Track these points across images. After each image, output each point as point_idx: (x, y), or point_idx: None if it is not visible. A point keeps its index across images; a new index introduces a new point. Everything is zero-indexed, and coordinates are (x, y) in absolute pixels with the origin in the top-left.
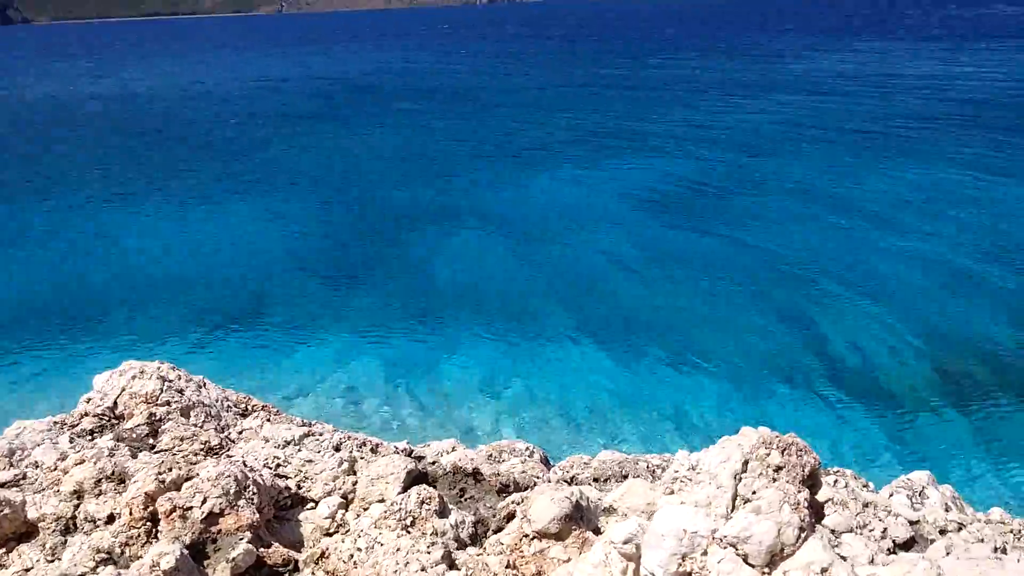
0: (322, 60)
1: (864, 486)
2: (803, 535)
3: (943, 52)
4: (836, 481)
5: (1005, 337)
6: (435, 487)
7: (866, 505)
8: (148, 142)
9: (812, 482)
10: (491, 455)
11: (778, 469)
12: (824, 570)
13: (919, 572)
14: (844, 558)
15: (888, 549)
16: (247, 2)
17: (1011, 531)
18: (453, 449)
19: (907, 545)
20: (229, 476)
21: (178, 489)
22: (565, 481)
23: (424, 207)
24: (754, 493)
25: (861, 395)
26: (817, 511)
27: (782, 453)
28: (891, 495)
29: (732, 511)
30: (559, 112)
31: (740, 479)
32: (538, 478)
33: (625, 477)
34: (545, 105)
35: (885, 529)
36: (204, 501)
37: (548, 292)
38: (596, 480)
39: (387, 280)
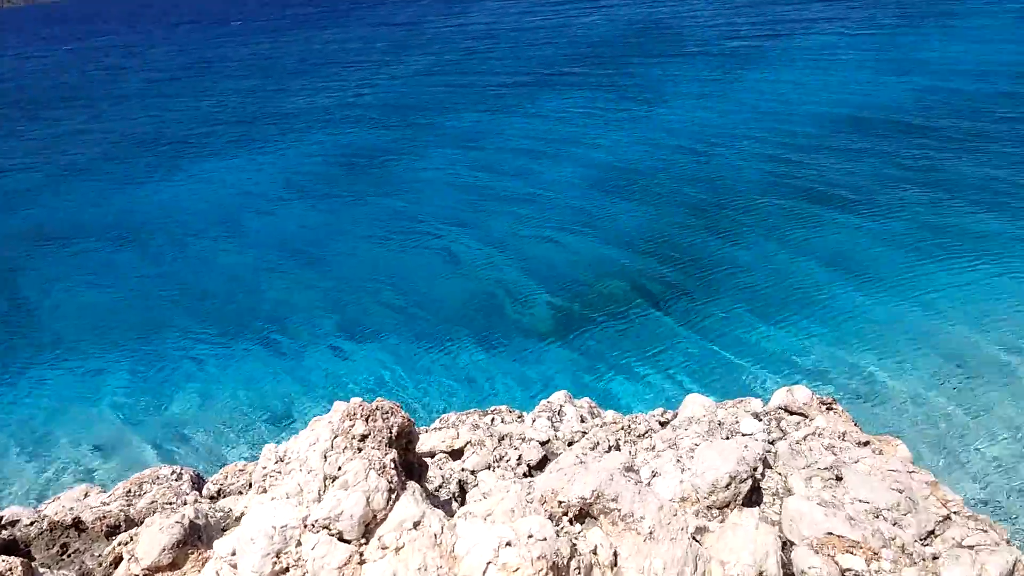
0: None
1: (519, 418)
2: (393, 496)
3: (557, 4)
4: (493, 420)
5: (628, 257)
6: (29, 552)
7: (502, 439)
8: None
9: (407, 440)
10: (130, 490)
11: (363, 438)
12: (417, 523)
13: (511, 497)
14: (437, 508)
15: (524, 473)
16: None
17: (622, 428)
18: (86, 495)
19: (541, 464)
20: None
21: None
22: (211, 497)
23: (38, 222)
24: (340, 468)
25: (506, 333)
26: (419, 463)
27: (366, 421)
28: (534, 420)
29: (324, 492)
30: (189, 100)
31: (327, 458)
32: (170, 504)
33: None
34: (172, 93)
35: (520, 456)
36: None
37: (205, 296)
38: (250, 485)
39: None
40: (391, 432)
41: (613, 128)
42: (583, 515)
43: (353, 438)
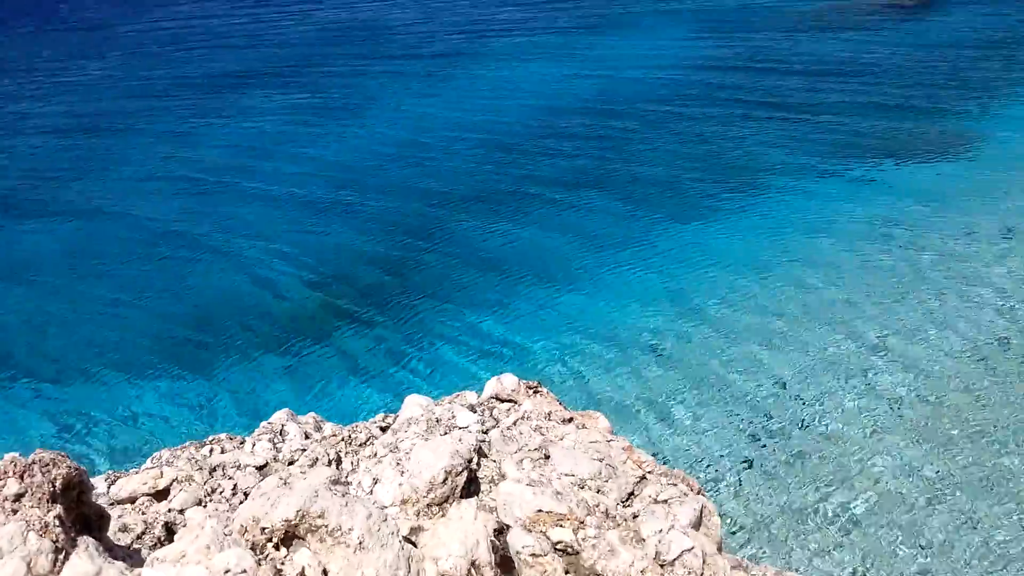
0: None
1: (240, 444)
2: (62, 556)
3: (249, 7)
4: (212, 450)
5: (369, 256)
6: None
7: (214, 470)
8: None
9: (79, 491)
10: None
11: (19, 498)
12: None
13: (207, 533)
14: (118, 560)
15: (240, 502)
16: None
17: (342, 439)
18: None
19: None
20: None
21: None
22: None
23: None
24: None
25: (238, 349)
26: (98, 514)
27: (21, 478)
28: (255, 444)
29: None
30: None
31: None
32: None
33: None
34: None
35: (236, 485)
36: None
37: None
38: None
39: None
40: (54, 486)
41: (328, 128)
42: (290, 538)
43: (6, 499)
